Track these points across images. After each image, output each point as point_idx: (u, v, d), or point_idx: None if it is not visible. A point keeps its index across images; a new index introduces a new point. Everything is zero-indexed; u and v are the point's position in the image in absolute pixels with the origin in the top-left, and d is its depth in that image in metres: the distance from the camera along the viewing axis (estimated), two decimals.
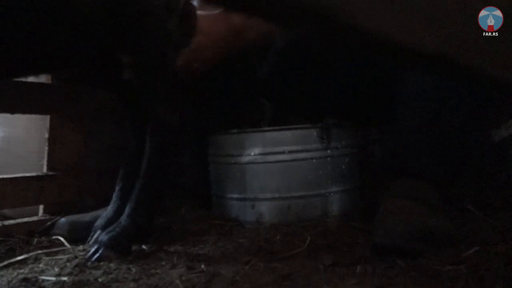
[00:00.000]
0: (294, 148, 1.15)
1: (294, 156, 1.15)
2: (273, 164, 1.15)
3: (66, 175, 1.28)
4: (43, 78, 1.30)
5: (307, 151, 1.15)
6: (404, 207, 0.91)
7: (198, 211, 1.28)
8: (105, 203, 1.25)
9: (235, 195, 1.21)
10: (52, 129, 1.29)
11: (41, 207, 1.26)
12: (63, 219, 1.17)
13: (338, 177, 1.17)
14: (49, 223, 1.21)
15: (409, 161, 0.99)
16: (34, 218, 1.22)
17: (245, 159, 1.18)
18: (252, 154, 1.17)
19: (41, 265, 0.95)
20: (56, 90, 1.29)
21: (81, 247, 1.06)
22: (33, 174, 1.23)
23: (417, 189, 0.95)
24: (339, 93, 1.24)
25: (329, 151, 1.16)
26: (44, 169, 1.27)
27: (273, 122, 1.44)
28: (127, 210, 1.02)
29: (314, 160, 1.15)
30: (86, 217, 1.19)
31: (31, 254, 1.00)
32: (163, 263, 0.94)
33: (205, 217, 1.24)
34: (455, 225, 0.94)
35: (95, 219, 1.16)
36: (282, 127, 1.16)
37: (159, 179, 1.02)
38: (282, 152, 1.15)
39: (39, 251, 1.02)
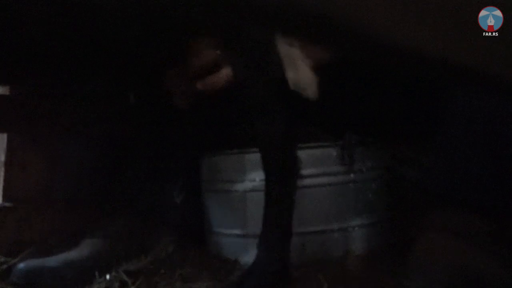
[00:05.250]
0: (308, 171, 1.13)
1: (308, 181, 1.13)
2: None
3: (27, 208, 1.28)
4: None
5: (325, 175, 1.14)
6: (445, 245, 0.91)
7: (188, 251, 1.28)
8: (74, 243, 1.27)
9: (235, 231, 1.19)
10: (10, 151, 1.31)
11: None
12: (21, 264, 1.15)
13: (363, 207, 1.16)
14: (4, 267, 1.19)
15: (454, 186, 0.99)
16: None
17: (248, 185, 1.16)
18: (257, 179, 1.16)
19: None
20: (15, 103, 1.30)
21: None
22: None
23: (462, 221, 0.95)
24: (362, 103, 1.25)
25: (352, 175, 1.15)
26: None
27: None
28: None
29: (334, 187, 1.14)
30: (51, 261, 1.17)
31: None
32: None
33: (197, 257, 1.23)
34: (507, 268, 0.91)
35: (63, 264, 1.16)
36: None
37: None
38: None
39: None
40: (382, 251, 1.17)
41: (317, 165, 1.15)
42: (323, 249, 1.13)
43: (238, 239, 1.19)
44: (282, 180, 1.03)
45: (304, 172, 1.13)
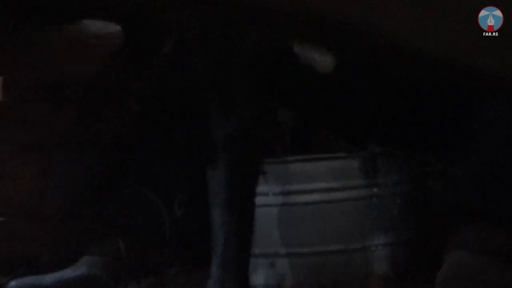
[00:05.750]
0: (328, 185, 1.13)
1: (328, 196, 1.13)
2: (300, 207, 1.13)
3: (18, 223, 1.28)
4: None
5: (346, 189, 1.13)
6: (477, 264, 0.92)
7: (193, 272, 1.27)
8: (70, 260, 1.26)
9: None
10: (1, 161, 1.29)
11: None
12: (13, 283, 1.16)
13: (388, 224, 1.15)
14: None
15: (486, 201, 0.99)
16: None
17: (260, 200, 1.14)
18: (270, 193, 1.15)
19: None
20: (5, 109, 1.29)
21: None
22: None
23: (494, 238, 0.96)
24: (386, 110, 1.23)
25: (375, 190, 1.14)
26: None
27: (296, 144, 1.42)
28: None
29: (355, 202, 1.13)
30: (44, 280, 1.19)
31: None
32: None
33: (202, 279, 1.18)
34: None
35: (57, 283, 1.17)
36: (311, 156, 1.15)
37: None
38: (312, 191, 1.13)
39: None
40: (408, 273, 1.16)
41: (337, 178, 1.13)
42: (343, 270, 1.12)
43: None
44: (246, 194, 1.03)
45: (323, 185, 1.14)
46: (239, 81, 1.05)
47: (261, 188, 1.15)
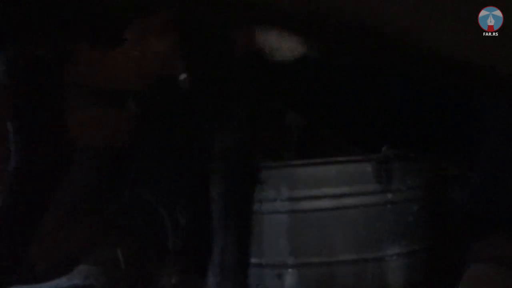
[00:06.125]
0: (339, 190, 1.11)
1: (339, 202, 1.11)
2: (309, 214, 1.11)
3: None
4: None
5: (358, 194, 1.12)
6: (497, 276, 0.91)
7: (194, 281, 1.23)
8: (66, 269, 1.25)
9: (251, 259, 1.13)
10: None
11: None
12: None
13: (403, 232, 1.13)
14: None
15: (505, 210, 0.98)
16: None
17: (266, 206, 1.14)
18: (277, 199, 1.14)
19: None
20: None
21: None
22: None
23: None
24: (401, 112, 1.22)
25: (389, 196, 1.12)
26: None
27: (303, 149, 1.42)
28: None
29: (368, 208, 1.11)
30: None
31: None
32: None
33: None
34: None
35: None
36: (321, 160, 1.13)
37: None
38: (322, 197, 1.11)
39: None
40: (425, 285, 1.14)
41: (349, 183, 1.12)
42: (355, 281, 1.11)
43: (255, 269, 1.14)
44: (241, 202, 1.01)
45: (334, 191, 1.12)
46: (235, 87, 1.03)
47: (268, 194, 1.15)
